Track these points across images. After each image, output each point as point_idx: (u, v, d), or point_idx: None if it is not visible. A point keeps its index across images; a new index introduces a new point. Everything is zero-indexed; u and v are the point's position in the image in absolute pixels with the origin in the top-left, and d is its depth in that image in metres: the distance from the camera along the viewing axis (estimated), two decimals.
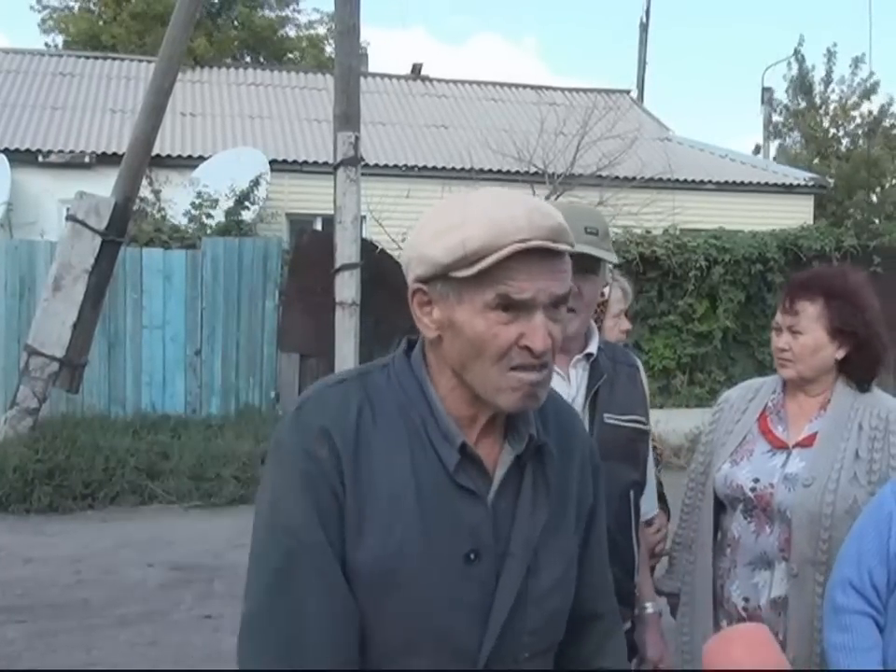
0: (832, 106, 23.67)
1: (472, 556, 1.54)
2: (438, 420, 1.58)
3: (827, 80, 23.42)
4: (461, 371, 1.57)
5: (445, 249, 1.51)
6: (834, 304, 2.79)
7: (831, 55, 23.19)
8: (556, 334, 1.56)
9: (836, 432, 2.80)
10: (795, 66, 23.69)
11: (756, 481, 2.81)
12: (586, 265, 2.41)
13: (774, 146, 24.54)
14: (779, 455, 2.84)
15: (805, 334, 2.81)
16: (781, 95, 24.40)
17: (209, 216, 12.89)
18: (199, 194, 12.99)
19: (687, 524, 3.10)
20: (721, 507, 2.95)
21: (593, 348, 2.55)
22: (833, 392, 2.87)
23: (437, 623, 1.52)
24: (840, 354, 2.83)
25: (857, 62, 23.17)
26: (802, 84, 23.68)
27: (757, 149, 24.06)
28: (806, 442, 2.82)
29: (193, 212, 12.89)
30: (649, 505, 2.78)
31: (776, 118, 24.54)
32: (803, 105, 23.86)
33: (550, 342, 1.53)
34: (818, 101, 23.71)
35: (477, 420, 1.61)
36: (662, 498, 3.56)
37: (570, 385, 2.50)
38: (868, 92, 23.23)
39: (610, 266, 2.73)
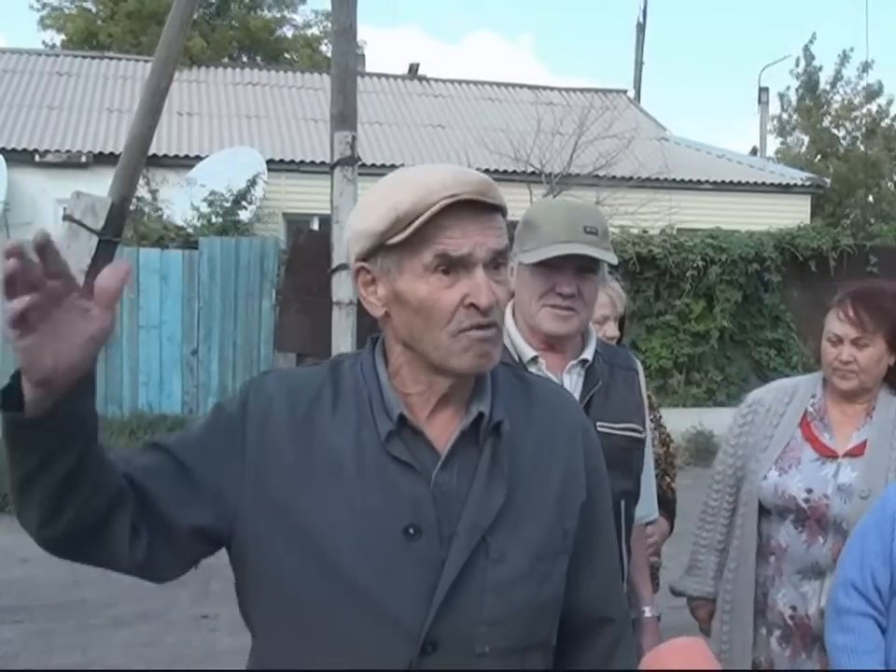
0: (834, 107, 23.69)
1: (412, 531, 1.52)
2: (383, 394, 1.59)
3: (834, 81, 23.45)
4: (412, 343, 1.57)
5: (378, 217, 1.53)
6: (893, 318, 2.82)
7: (845, 57, 23.23)
8: (500, 294, 1.56)
9: (885, 440, 2.81)
10: (803, 64, 23.70)
11: (809, 491, 2.80)
12: (585, 265, 2.39)
13: (773, 145, 24.58)
14: (829, 465, 2.83)
15: (872, 347, 2.82)
16: (791, 93, 24.40)
17: (218, 214, 12.90)
18: (211, 194, 12.98)
19: (713, 526, 3.08)
20: (759, 512, 2.92)
21: (588, 354, 2.49)
22: (877, 399, 2.89)
23: (376, 598, 1.50)
24: (892, 362, 2.86)
25: (865, 66, 23.23)
26: (809, 82, 23.69)
27: (754, 151, 24.07)
28: (856, 452, 2.82)
29: (206, 210, 12.88)
30: (648, 508, 2.73)
31: (784, 116, 24.53)
32: (809, 103, 23.86)
33: (494, 297, 1.53)
34: (822, 100, 23.72)
35: (428, 397, 1.60)
36: (668, 506, 3.52)
37: None
38: (873, 95, 23.27)
39: (607, 269, 2.69)
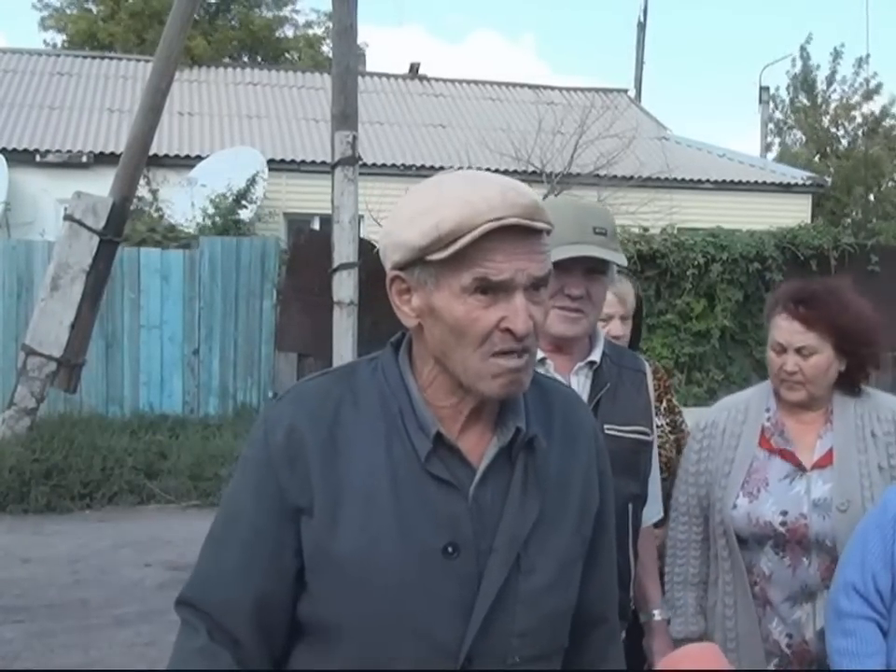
0: (832, 105, 23.66)
1: (450, 549, 1.50)
2: (415, 410, 1.55)
3: (831, 80, 23.42)
4: (443, 358, 1.54)
5: (420, 232, 1.48)
6: (840, 322, 2.66)
7: (837, 55, 23.19)
8: (538, 317, 1.52)
9: (852, 445, 2.68)
10: (799, 63, 23.69)
11: (784, 513, 2.64)
12: (594, 266, 2.37)
13: (774, 144, 24.54)
14: (799, 481, 2.68)
15: (818, 354, 2.67)
16: (783, 92, 24.40)
17: (219, 214, 12.90)
18: (216, 196, 12.98)
19: (684, 560, 2.88)
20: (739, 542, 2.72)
21: (596, 356, 2.45)
22: (832, 403, 2.75)
23: (416, 618, 1.49)
24: (842, 367, 2.71)
25: (860, 62, 23.18)
26: (804, 82, 23.66)
27: (768, 147, 24.02)
28: (824, 462, 2.68)
29: (209, 210, 12.88)
30: (654, 509, 2.69)
31: (778, 115, 24.52)
32: (805, 102, 23.83)
33: (531, 324, 1.49)
34: (819, 100, 23.69)
35: (461, 410, 1.57)
36: None
37: None
38: (871, 93, 23.24)
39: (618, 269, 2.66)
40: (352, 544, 1.49)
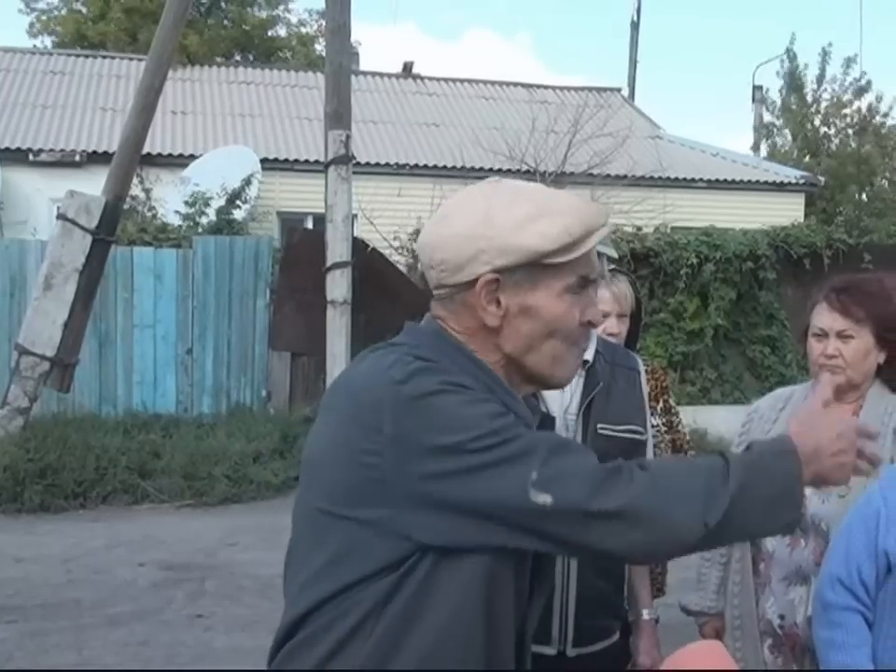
0: (823, 105, 23.66)
1: None
2: (508, 390, 1.63)
3: (820, 79, 23.41)
4: (525, 352, 1.64)
5: (544, 237, 1.57)
6: (882, 310, 2.73)
7: (825, 54, 23.20)
8: None
9: None
10: (787, 64, 23.69)
11: None
12: None
13: (765, 144, 24.54)
14: None
15: (858, 339, 2.73)
16: (773, 94, 24.41)
17: (203, 213, 12.87)
18: (193, 195, 12.95)
19: None
20: None
21: (589, 355, 2.45)
22: (865, 398, 2.80)
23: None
24: (881, 359, 2.77)
25: (849, 62, 23.18)
26: (793, 82, 23.66)
27: (756, 147, 24.03)
28: None
29: (189, 210, 12.87)
30: None
31: (767, 117, 24.54)
32: (794, 103, 23.83)
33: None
34: (809, 99, 23.69)
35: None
36: None
37: (564, 393, 2.40)
38: (860, 91, 23.24)
39: (610, 266, 2.65)
40: None
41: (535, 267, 1.58)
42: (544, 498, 1.45)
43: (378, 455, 1.49)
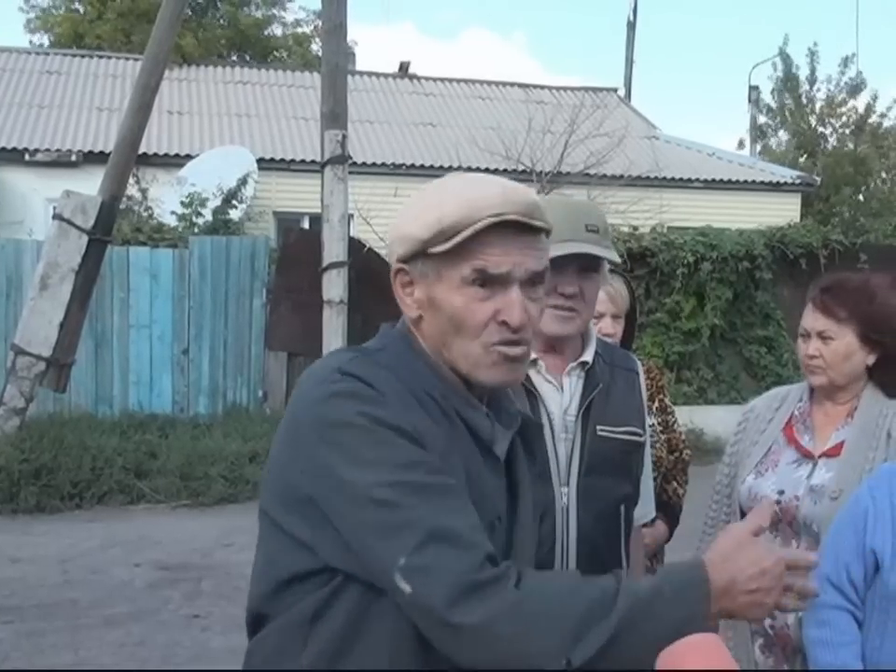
0: (818, 105, 23.66)
1: (498, 521, 1.60)
2: (459, 394, 1.62)
3: (812, 79, 23.41)
4: (442, 348, 1.61)
5: (423, 226, 1.56)
6: (864, 310, 2.71)
7: (812, 55, 23.22)
8: (534, 312, 1.60)
9: (864, 441, 2.70)
10: (781, 66, 23.70)
11: (781, 493, 2.72)
12: (587, 264, 2.35)
13: (759, 145, 24.54)
14: (805, 466, 2.74)
15: (837, 340, 2.72)
16: (766, 96, 24.42)
17: (199, 214, 12.87)
18: (189, 195, 12.94)
19: (711, 538, 2.96)
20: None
21: (588, 356, 2.43)
22: (860, 399, 2.78)
23: None
24: (871, 360, 2.74)
25: (846, 61, 23.18)
26: (787, 82, 23.66)
27: (741, 144, 24.09)
28: (833, 452, 2.72)
29: (185, 210, 12.86)
30: (645, 509, 2.67)
31: (761, 119, 24.54)
32: (789, 103, 23.83)
33: (526, 317, 1.57)
34: (804, 100, 23.68)
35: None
36: (670, 512, 3.47)
37: (563, 394, 2.39)
38: (855, 90, 23.24)
39: (612, 268, 2.64)
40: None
41: (430, 258, 1.57)
42: (404, 586, 1.40)
43: (294, 470, 1.52)
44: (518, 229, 1.56)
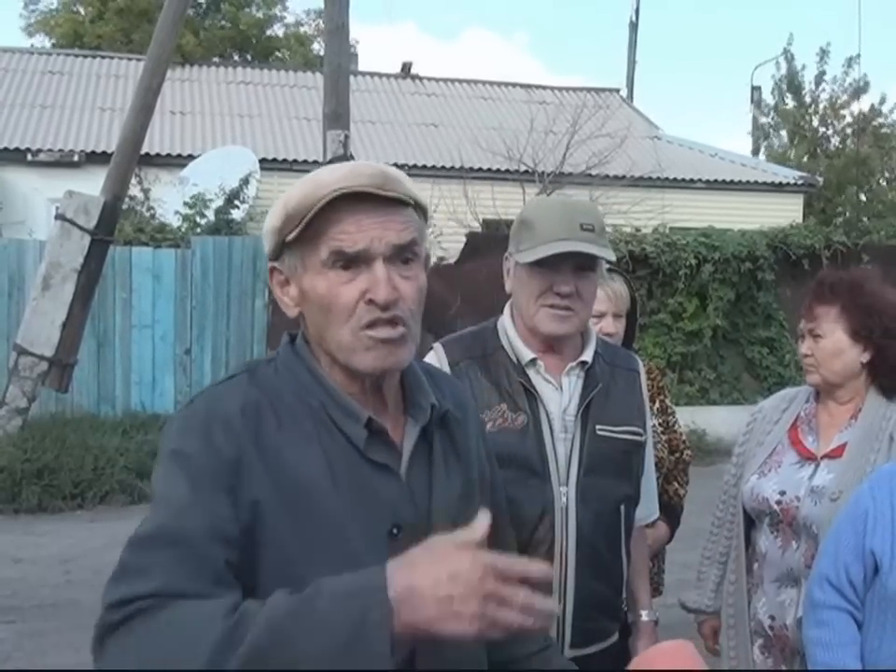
0: (822, 105, 23.63)
1: (395, 531, 1.51)
2: (337, 400, 1.55)
3: (819, 80, 23.37)
4: (321, 342, 1.56)
5: (273, 214, 1.55)
6: (852, 306, 2.72)
7: (824, 54, 23.14)
8: (405, 289, 1.53)
9: (866, 443, 2.70)
10: (784, 66, 23.67)
11: (782, 493, 2.73)
12: (583, 263, 2.33)
13: (762, 145, 24.53)
14: (807, 467, 2.75)
15: (826, 338, 2.75)
16: (767, 96, 24.39)
17: (202, 215, 12.87)
18: (193, 196, 12.94)
19: (717, 538, 3.03)
20: (751, 521, 2.86)
21: (588, 356, 2.41)
22: (864, 401, 2.78)
23: None
24: (865, 357, 2.75)
25: (850, 62, 23.13)
26: (791, 83, 23.63)
27: (757, 149, 24.01)
28: (835, 454, 2.73)
29: (188, 211, 12.86)
30: (648, 509, 2.66)
31: (763, 119, 24.52)
32: (791, 104, 23.81)
33: (396, 293, 1.51)
34: (808, 100, 23.65)
35: (365, 393, 1.58)
36: (672, 512, 3.46)
37: (563, 394, 2.37)
38: (859, 91, 23.20)
39: (606, 266, 2.63)
40: (298, 551, 1.46)
41: (290, 248, 1.54)
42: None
43: None
44: (372, 202, 1.49)
